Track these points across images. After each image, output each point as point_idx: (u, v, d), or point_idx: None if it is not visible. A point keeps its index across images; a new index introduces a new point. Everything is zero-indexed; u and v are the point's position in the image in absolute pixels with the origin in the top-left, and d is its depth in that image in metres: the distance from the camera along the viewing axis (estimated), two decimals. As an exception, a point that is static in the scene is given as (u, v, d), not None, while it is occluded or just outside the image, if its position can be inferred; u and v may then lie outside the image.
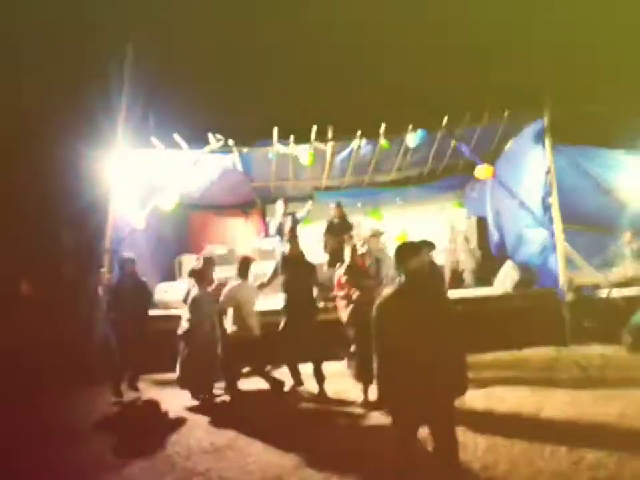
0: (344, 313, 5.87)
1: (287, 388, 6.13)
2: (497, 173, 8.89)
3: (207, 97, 12.80)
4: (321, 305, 6.67)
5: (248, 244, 10.88)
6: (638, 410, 4.68)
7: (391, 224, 10.99)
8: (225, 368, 6.09)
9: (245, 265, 6.35)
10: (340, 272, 6.06)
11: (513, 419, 4.77)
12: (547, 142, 8.27)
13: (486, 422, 4.66)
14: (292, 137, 8.88)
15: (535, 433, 4.33)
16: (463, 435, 4.24)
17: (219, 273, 6.98)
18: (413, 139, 8.92)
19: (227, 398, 6.14)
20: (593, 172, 8.68)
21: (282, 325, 6.11)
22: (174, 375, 6.86)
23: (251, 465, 4.18)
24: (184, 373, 6.02)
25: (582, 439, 4.12)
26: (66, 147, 8.93)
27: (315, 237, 9.82)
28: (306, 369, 6.08)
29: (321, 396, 5.89)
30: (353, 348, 5.76)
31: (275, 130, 8.77)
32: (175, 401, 6.09)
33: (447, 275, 9.49)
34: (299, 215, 9.33)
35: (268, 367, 6.65)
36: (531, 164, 8.66)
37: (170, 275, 9.73)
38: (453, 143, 9.32)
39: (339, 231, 9.25)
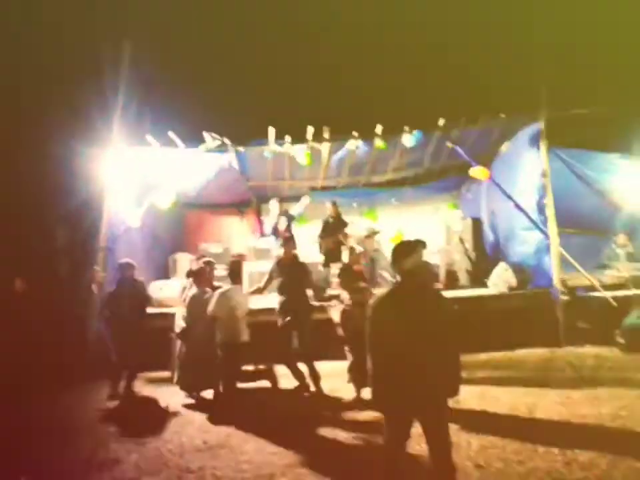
0: (336, 314, 5.89)
1: (292, 387, 6.16)
2: (493, 175, 8.94)
3: (204, 95, 12.81)
4: (316, 304, 6.73)
5: (243, 243, 10.89)
6: (631, 411, 4.71)
7: (386, 224, 11.00)
8: (222, 367, 6.06)
9: (236, 268, 6.28)
10: (333, 273, 6.10)
11: (506, 419, 4.79)
12: (543, 145, 8.32)
13: (479, 421, 4.67)
14: (288, 137, 8.89)
15: (528, 432, 4.34)
16: (457, 434, 4.27)
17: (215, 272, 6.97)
18: (409, 139, 8.95)
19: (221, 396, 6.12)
20: (587, 175, 8.73)
21: (279, 326, 6.17)
22: (167, 373, 6.88)
23: (244, 464, 4.17)
24: (182, 372, 6.00)
25: (575, 439, 4.14)
26: (61, 144, 8.91)
27: (310, 236, 9.84)
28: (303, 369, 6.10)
29: (316, 395, 5.90)
30: (346, 349, 5.77)
31: (271, 130, 8.78)
32: (168, 398, 6.07)
33: (442, 275, 9.54)
34: (294, 212, 9.33)
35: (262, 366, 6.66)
36: (526, 166, 8.70)
37: (165, 272, 9.72)
38: (449, 144, 9.34)
39: (333, 230, 9.29)
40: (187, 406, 5.86)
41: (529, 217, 8.40)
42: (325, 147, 9.46)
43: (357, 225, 10.22)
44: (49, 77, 12.30)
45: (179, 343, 6.49)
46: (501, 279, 8.21)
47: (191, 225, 11.88)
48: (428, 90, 12.74)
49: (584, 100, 8.28)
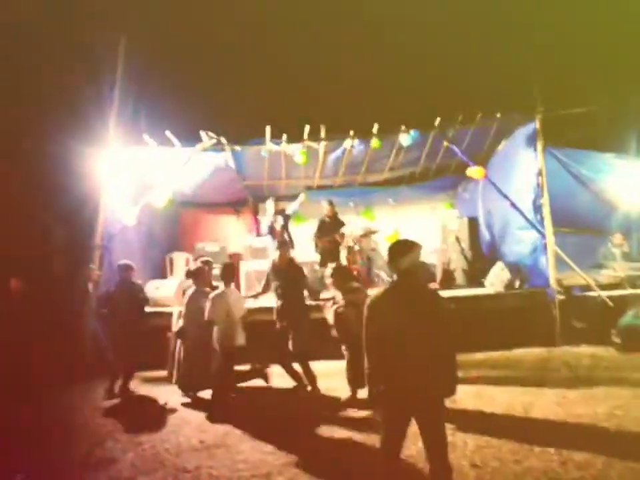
0: (330, 315, 5.88)
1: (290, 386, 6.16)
2: (489, 174, 8.95)
3: (200, 94, 12.77)
4: (312, 303, 6.78)
5: (240, 242, 10.88)
6: (626, 410, 4.72)
7: (383, 224, 11.02)
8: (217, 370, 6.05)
9: (228, 271, 6.14)
10: (327, 273, 6.09)
11: (502, 418, 4.79)
12: (539, 144, 8.35)
13: (476, 421, 4.68)
14: (284, 136, 8.88)
15: (524, 432, 4.35)
16: (453, 433, 4.28)
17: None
18: (405, 139, 8.96)
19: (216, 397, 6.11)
20: (583, 175, 8.75)
21: (277, 327, 6.20)
22: (164, 372, 6.87)
23: (240, 463, 4.16)
24: (180, 371, 5.97)
25: (571, 438, 4.15)
26: (58, 144, 8.87)
27: (307, 235, 9.84)
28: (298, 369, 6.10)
29: (313, 394, 5.91)
30: (343, 348, 5.77)
31: (268, 129, 8.77)
32: (165, 398, 6.06)
33: (439, 274, 9.56)
34: (290, 210, 9.31)
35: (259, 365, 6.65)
36: (522, 166, 8.72)
37: (161, 271, 9.71)
38: (445, 143, 9.35)
39: (330, 230, 9.28)
40: (184, 405, 5.85)
41: (524, 217, 8.41)
42: (321, 146, 9.46)
43: (353, 224, 10.22)
44: (45, 76, 12.23)
45: (177, 342, 6.49)
46: (498, 279, 8.23)
47: (187, 224, 11.88)
48: (424, 89, 12.74)
49: (580, 99, 8.32)
